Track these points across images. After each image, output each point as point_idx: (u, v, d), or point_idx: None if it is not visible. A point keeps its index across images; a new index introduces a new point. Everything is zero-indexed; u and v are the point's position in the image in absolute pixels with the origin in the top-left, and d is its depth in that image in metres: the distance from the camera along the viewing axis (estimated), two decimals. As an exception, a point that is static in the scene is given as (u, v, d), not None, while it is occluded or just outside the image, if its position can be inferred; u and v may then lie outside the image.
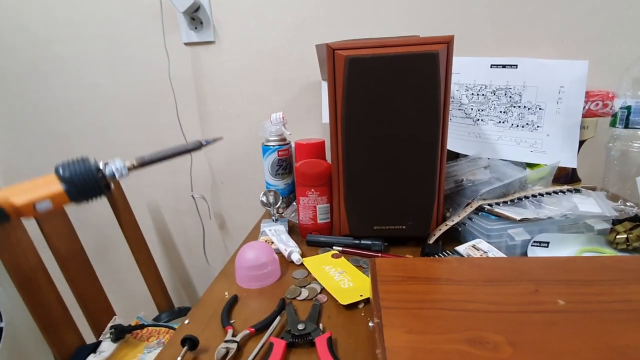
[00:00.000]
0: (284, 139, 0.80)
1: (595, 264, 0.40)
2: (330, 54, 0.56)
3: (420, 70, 0.54)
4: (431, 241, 0.62)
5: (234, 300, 0.51)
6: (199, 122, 0.98)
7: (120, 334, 0.80)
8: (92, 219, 1.13)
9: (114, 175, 0.35)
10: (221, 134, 0.99)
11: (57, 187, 0.32)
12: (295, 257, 0.60)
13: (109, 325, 0.87)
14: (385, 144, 0.58)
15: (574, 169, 0.81)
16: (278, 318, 0.45)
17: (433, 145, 0.58)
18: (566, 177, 0.81)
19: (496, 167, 0.68)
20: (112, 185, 0.37)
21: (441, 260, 0.42)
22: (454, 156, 0.77)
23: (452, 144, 0.76)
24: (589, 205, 0.59)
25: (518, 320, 0.31)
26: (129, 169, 0.37)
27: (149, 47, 0.94)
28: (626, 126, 0.68)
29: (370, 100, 0.56)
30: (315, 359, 0.39)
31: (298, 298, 0.51)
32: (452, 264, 0.41)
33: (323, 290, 0.52)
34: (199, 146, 0.41)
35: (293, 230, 0.74)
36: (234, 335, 0.43)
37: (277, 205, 0.68)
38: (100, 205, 0.78)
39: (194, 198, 1.03)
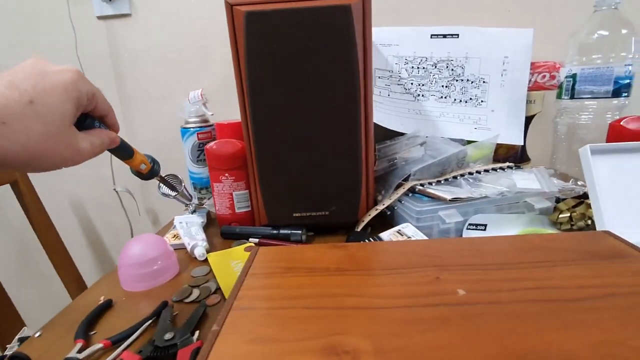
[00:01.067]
0: (206, 120, 0.71)
1: (520, 244, 0.33)
2: (229, 12, 0.48)
3: (332, 27, 0.46)
4: (359, 228, 0.55)
5: (105, 306, 0.42)
6: (119, 105, 0.87)
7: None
8: (14, 223, 1.00)
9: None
10: (144, 118, 0.89)
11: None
12: (198, 251, 0.51)
13: (17, 337, 0.76)
14: (299, 118, 0.50)
15: (523, 148, 0.76)
16: (144, 326, 0.37)
17: (354, 119, 0.50)
18: (515, 157, 0.75)
19: (434, 144, 0.61)
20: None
21: (338, 246, 0.34)
22: (395, 135, 0.70)
23: (391, 122, 0.69)
24: (528, 181, 0.52)
25: (401, 318, 0.23)
26: None
27: (56, 21, 0.82)
28: (572, 97, 0.63)
29: (277, 65, 0.48)
30: (171, 377, 0.30)
31: (186, 300, 0.42)
32: (351, 251, 0.33)
33: (218, 289, 0.44)
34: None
35: (215, 223, 0.65)
36: (82, 350, 0.34)
37: (177, 194, 0.59)
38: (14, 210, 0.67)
39: (117, 192, 0.92)
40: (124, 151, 0.40)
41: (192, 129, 0.69)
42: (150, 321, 0.38)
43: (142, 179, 0.45)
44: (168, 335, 0.34)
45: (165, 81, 0.86)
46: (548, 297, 0.25)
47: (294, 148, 0.51)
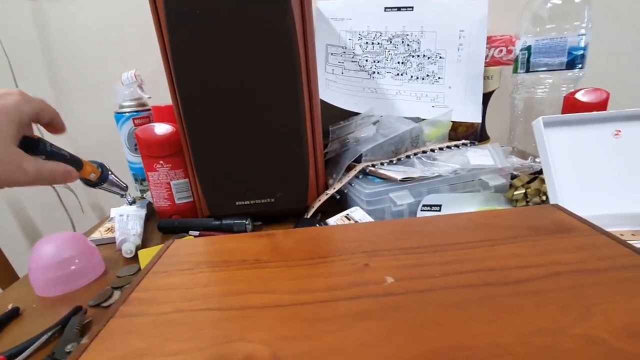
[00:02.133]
0: (143, 104, 0.64)
1: (462, 222, 0.30)
2: (146, -26, 0.41)
3: (263, -9, 0.41)
4: (309, 215, 0.51)
5: (10, 315, 0.36)
6: (52, 92, 0.79)
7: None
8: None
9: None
10: (81, 104, 0.81)
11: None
12: (125, 247, 0.46)
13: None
14: (235, 99, 0.45)
15: (482, 127, 0.74)
16: (45, 337, 0.31)
17: (294, 98, 0.45)
18: (475, 136, 0.73)
19: (388, 124, 0.58)
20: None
21: (262, 235, 0.30)
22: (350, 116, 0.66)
23: (344, 102, 0.65)
24: (482, 158, 0.50)
25: (312, 317, 0.20)
26: None
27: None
28: (527, 70, 0.61)
29: (203, 34, 0.42)
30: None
31: (104, 304, 0.37)
32: (276, 239, 0.29)
33: (143, 289, 0.39)
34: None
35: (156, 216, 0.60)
36: (-36, 372, 0.29)
37: (100, 184, 0.52)
38: None
39: (54, 189, 0.84)
40: (72, 164, 0.39)
41: (127, 114, 0.63)
42: (55, 330, 0.32)
43: (92, 186, 0.46)
44: (70, 347, 0.30)
45: (103, 64, 0.78)
46: (484, 281, 0.22)
47: (231, 132, 0.47)
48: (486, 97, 0.72)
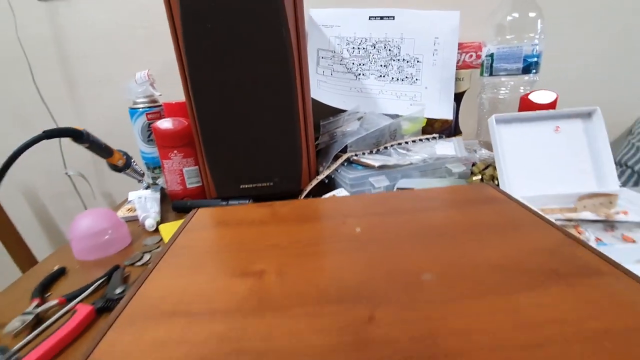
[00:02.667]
0: (154, 101, 0.73)
1: (416, 195, 0.40)
2: (166, -8, 0.50)
3: (263, 5, 0.49)
4: (302, 196, 0.60)
5: (59, 273, 0.45)
6: (64, 89, 0.86)
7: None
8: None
9: None
10: (93, 101, 0.88)
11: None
12: (149, 222, 0.54)
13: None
14: (240, 97, 0.54)
15: (456, 123, 0.84)
16: (96, 284, 0.40)
17: (290, 97, 0.54)
18: (449, 131, 0.83)
19: (371, 119, 0.67)
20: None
21: (264, 205, 0.39)
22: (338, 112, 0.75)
23: (333, 100, 0.74)
24: (447, 149, 0.60)
25: (303, 253, 0.29)
26: None
27: (-8, 1, 0.79)
28: (491, 74, 0.70)
29: (214, 46, 0.51)
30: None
31: (137, 263, 0.46)
32: (274, 208, 0.38)
33: (167, 253, 0.47)
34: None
35: (168, 200, 0.68)
36: (38, 306, 0.37)
37: (125, 169, 0.60)
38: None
39: (69, 176, 0.91)
40: (105, 151, 0.53)
41: (140, 110, 0.71)
42: (103, 280, 0.41)
43: (117, 171, 0.59)
44: (119, 290, 0.38)
45: (112, 63, 0.85)
46: (422, 232, 0.31)
47: (236, 125, 0.55)
48: (459, 96, 0.81)
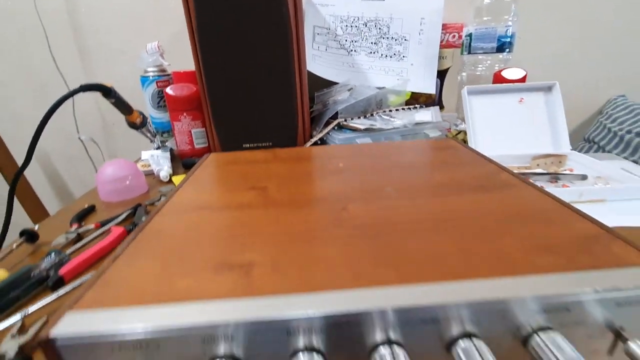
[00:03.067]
0: (164, 70, 0.79)
1: (393, 145, 0.48)
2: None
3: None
4: (297, 156, 0.68)
5: (90, 209, 0.53)
6: (79, 59, 0.93)
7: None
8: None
9: None
10: (105, 70, 0.95)
11: None
12: (163, 173, 0.62)
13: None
14: (244, 66, 0.61)
15: (440, 98, 0.92)
16: (125, 215, 0.49)
17: (287, 66, 0.62)
18: (433, 105, 0.90)
19: (361, 91, 0.75)
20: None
21: (268, 150, 0.47)
22: (331, 84, 0.82)
23: (328, 73, 0.81)
24: (424, 116, 0.68)
25: (299, 178, 0.37)
26: None
27: (8, -28, 0.84)
28: (469, 52, 0.78)
29: (222, 14, 0.58)
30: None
31: (157, 203, 0.54)
32: (276, 153, 0.47)
33: (181, 196, 0.56)
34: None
35: (177, 160, 0.76)
36: (78, 229, 0.46)
37: (141, 127, 0.68)
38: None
39: (82, 141, 0.99)
40: (127, 108, 0.61)
41: (151, 78, 0.78)
42: (129, 212, 0.50)
43: (135, 129, 0.67)
44: (144, 219, 0.47)
45: (124, 34, 0.91)
46: (390, 166, 0.40)
47: (240, 92, 0.63)
48: (442, 73, 0.89)
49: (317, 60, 0.82)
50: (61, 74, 0.92)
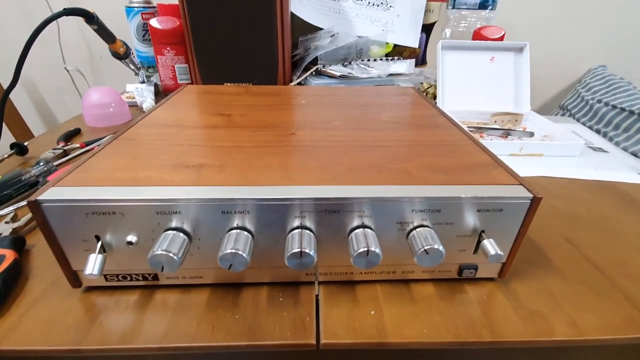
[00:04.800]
0: (149, 2, 0.79)
1: (351, 87, 0.52)
2: None
3: None
4: (276, 98, 0.71)
5: (76, 131, 0.57)
6: (64, -14, 0.91)
7: None
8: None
9: None
10: (92, 1, 0.93)
11: None
12: (146, 104, 0.66)
13: None
14: (228, 5, 0.62)
15: (424, 53, 0.93)
16: (108, 137, 0.53)
17: (269, 5, 0.63)
18: (417, 60, 0.92)
19: (343, 38, 0.76)
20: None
21: (241, 86, 0.51)
22: (316, 30, 0.83)
23: (312, 18, 0.81)
24: (399, 68, 0.71)
25: (263, 108, 0.41)
26: None
27: None
28: (454, 6, 0.79)
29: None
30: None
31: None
32: (250, 88, 0.50)
33: (161, 125, 0.60)
34: None
35: (162, 95, 0.79)
36: (63, 147, 0.50)
37: (125, 58, 0.70)
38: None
39: (68, 71, 0.99)
40: (109, 36, 0.61)
41: (136, 9, 0.77)
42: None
43: (118, 59, 0.68)
44: (124, 141, 0.51)
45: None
46: (346, 104, 0.44)
47: (223, 30, 0.64)
48: (429, 28, 0.90)
49: (303, 3, 0.82)
50: (47, 2, 0.90)
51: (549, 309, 0.27)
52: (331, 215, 0.25)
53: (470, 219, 0.25)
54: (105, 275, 0.27)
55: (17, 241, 0.31)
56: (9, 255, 0.29)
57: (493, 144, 0.53)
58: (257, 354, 0.25)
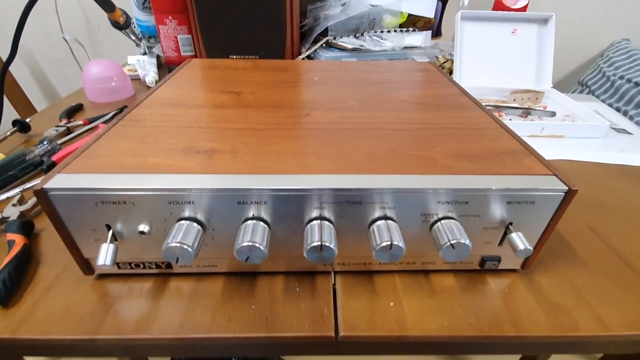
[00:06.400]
0: (148, -34, 0.74)
1: (364, 62, 0.49)
2: None
3: None
4: (283, 72, 0.68)
5: (78, 107, 0.55)
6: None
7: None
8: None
9: None
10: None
11: None
12: (149, 78, 0.63)
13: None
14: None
15: (439, 25, 0.88)
16: (112, 114, 0.51)
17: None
18: (431, 33, 0.87)
19: (355, 7, 0.72)
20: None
21: (249, 60, 0.48)
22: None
23: (323, -15, 0.77)
24: (414, 40, 0.67)
25: (274, 85, 0.39)
26: None
27: None
28: (474, -26, 0.73)
29: None
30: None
31: (141, 107, 0.56)
32: (257, 62, 0.48)
33: (166, 101, 0.57)
34: None
35: (164, 68, 0.75)
36: (67, 123, 0.48)
37: (125, 28, 0.66)
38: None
39: (66, 41, 0.96)
40: (108, 4, 0.57)
41: (135, -26, 0.73)
42: (116, 112, 0.52)
43: (118, 29, 0.65)
44: (129, 118, 0.49)
45: None
46: (360, 81, 0.41)
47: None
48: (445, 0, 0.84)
49: (313, -31, 0.77)
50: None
51: (573, 302, 0.26)
52: (352, 207, 0.23)
53: (499, 211, 0.24)
54: (117, 263, 0.26)
55: (26, 225, 0.31)
56: (19, 240, 0.29)
57: (512, 124, 0.51)
58: (272, 345, 0.25)
